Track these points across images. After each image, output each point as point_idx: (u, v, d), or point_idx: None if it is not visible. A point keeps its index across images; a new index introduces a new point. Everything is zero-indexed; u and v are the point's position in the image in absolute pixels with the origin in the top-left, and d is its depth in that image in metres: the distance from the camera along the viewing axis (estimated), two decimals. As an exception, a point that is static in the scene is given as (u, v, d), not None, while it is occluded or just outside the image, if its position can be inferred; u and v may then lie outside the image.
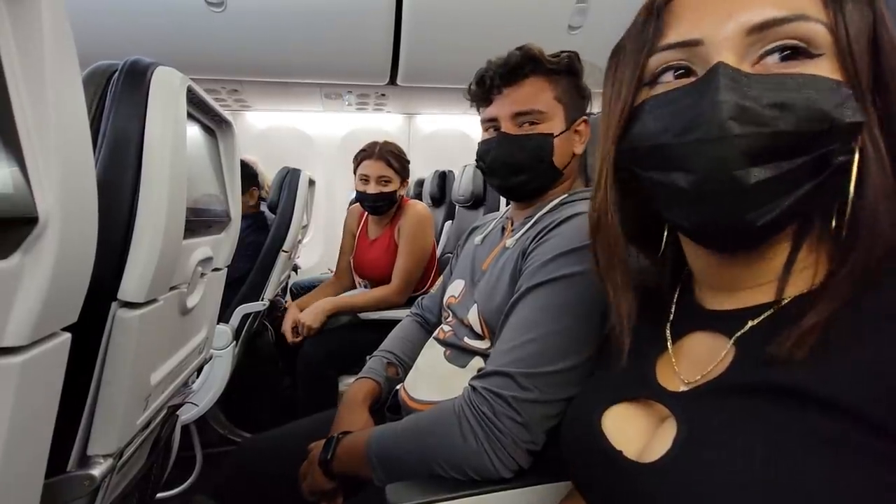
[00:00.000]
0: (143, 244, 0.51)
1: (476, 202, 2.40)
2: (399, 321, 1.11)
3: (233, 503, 0.86)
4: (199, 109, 0.69)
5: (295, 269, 2.73)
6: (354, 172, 1.69)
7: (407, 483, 0.63)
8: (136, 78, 0.53)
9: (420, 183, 3.28)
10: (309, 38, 2.25)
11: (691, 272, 0.48)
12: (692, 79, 0.38)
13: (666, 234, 0.48)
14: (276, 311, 1.95)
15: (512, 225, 0.86)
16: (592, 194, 0.48)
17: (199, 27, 2.10)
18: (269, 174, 2.17)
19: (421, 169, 3.45)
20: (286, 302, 2.10)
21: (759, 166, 0.33)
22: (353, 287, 1.89)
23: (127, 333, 0.51)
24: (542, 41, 0.78)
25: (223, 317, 1.48)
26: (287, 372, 1.90)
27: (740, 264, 0.41)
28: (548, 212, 0.78)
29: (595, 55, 0.51)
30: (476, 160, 0.85)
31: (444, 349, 0.83)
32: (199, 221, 0.66)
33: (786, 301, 0.38)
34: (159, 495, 1.39)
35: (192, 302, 0.68)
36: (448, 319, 0.88)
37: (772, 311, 0.38)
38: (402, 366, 0.98)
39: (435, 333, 0.89)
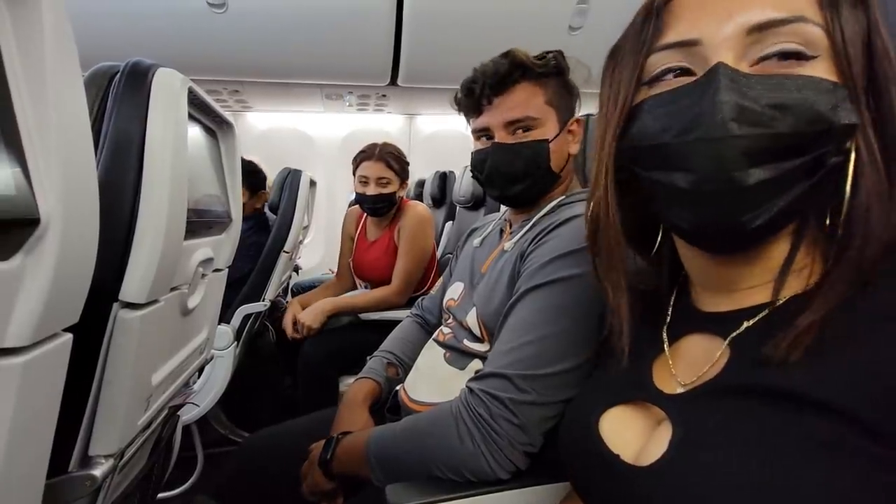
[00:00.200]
0: (145, 245, 0.51)
1: (476, 203, 2.41)
2: (399, 322, 1.11)
3: (234, 503, 0.86)
4: (200, 110, 0.69)
5: (296, 269, 2.73)
6: (354, 174, 1.68)
7: (407, 483, 0.63)
8: (137, 79, 0.53)
9: (421, 184, 3.28)
10: (310, 38, 2.25)
11: (688, 275, 0.48)
12: (692, 78, 0.38)
13: (661, 235, 0.48)
14: (277, 312, 1.95)
15: (510, 227, 0.86)
16: (590, 194, 0.47)
17: (200, 28, 2.10)
18: (270, 175, 2.18)
19: (421, 170, 3.45)
20: (287, 302, 2.10)
21: (758, 167, 0.34)
22: (355, 288, 1.89)
23: (128, 334, 0.52)
24: (543, 42, 0.78)
25: (224, 317, 1.49)
26: (288, 372, 1.91)
27: (736, 266, 0.41)
28: (546, 214, 0.78)
29: (595, 56, 0.51)
30: (471, 171, 0.84)
31: (443, 351, 0.83)
32: (200, 222, 0.67)
33: (781, 302, 0.38)
34: (160, 495, 1.40)
35: (193, 302, 0.68)
36: (448, 321, 0.88)
37: (767, 311, 0.38)
38: (403, 366, 0.98)
39: (434, 335, 0.89)
